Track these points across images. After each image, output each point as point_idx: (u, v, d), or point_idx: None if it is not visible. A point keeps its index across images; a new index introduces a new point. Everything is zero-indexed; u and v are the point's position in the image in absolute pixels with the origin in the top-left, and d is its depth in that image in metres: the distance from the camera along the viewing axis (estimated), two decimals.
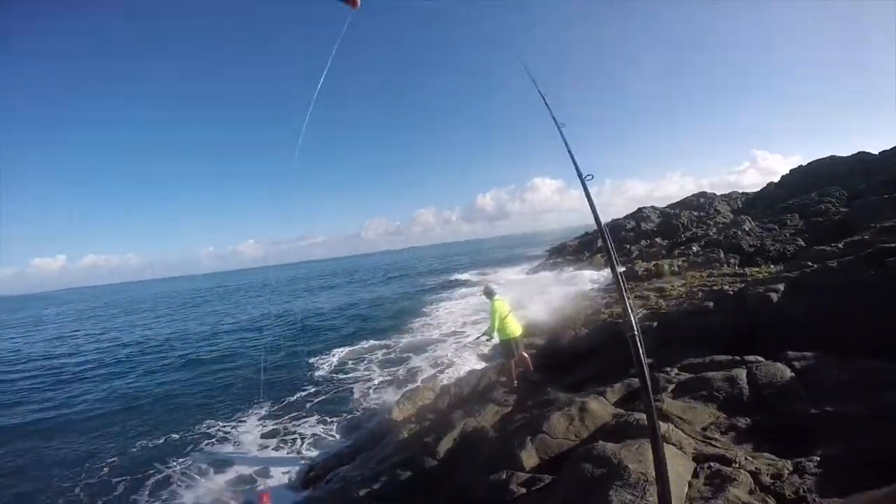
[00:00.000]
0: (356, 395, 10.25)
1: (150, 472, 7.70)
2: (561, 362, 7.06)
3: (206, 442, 8.74)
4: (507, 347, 6.46)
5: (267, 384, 12.12)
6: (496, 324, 6.33)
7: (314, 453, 7.61)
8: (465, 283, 30.00)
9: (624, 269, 15.72)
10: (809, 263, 5.91)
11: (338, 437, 8.20)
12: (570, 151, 2.92)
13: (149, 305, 50.41)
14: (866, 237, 7.50)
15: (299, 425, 8.96)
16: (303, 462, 7.28)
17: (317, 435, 8.47)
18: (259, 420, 9.56)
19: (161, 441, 9.01)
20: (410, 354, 12.74)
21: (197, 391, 12.69)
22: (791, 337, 4.29)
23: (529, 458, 3.59)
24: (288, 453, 7.83)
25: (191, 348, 19.48)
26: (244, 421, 9.62)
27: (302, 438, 8.33)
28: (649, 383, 2.54)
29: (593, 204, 2.62)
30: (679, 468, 2.72)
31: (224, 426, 9.46)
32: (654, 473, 2.52)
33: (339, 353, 14.42)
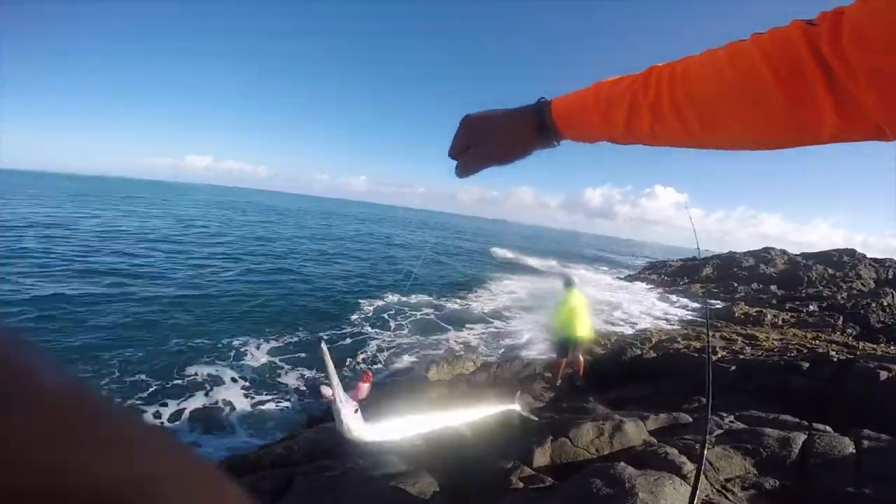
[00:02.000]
0: (392, 348, 10.50)
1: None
2: (613, 377, 6.83)
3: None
4: (563, 344, 6.20)
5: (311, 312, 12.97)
6: (561, 317, 6.09)
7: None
8: (538, 272, 28.57)
9: (721, 305, 14.41)
10: None
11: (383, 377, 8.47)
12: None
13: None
14: None
15: (348, 359, 9.13)
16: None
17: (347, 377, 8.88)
18: (311, 344, 10.11)
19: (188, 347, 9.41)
20: (451, 323, 12.86)
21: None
22: (879, 422, 3.82)
23: (542, 456, 3.59)
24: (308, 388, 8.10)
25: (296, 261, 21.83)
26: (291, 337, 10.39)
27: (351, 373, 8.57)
28: (710, 413, 2.52)
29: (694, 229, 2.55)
30: None
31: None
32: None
33: (389, 299, 14.97)
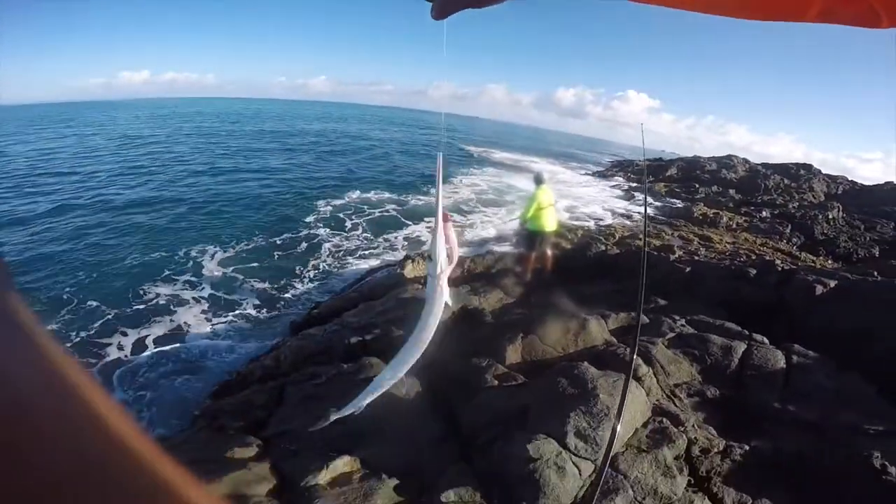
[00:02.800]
0: (363, 243, 10.59)
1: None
2: (579, 271, 7.15)
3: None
4: (531, 239, 6.37)
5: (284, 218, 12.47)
6: (530, 212, 6.12)
7: (321, 295, 7.89)
8: (505, 165, 27.99)
9: (682, 205, 14.96)
10: (875, 273, 5.53)
11: (342, 281, 8.48)
12: None
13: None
14: None
15: (308, 265, 9.20)
16: (309, 300, 7.65)
17: (326, 275, 8.82)
18: (270, 246, 10.04)
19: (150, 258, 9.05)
20: (411, 218, 12.83)
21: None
22: (813, 334, 4.26)
23: (514, 353, 3.83)
24: (293, 293, 8.05)
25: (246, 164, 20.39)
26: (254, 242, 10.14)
27: (311, 279, 8.61)
28: (639, 321, 2.60)
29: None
30: (637, 413, 2.97)
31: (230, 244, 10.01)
32: (616, 408, 2.78)
33: (351, 196, 14.70)
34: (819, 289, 5.03)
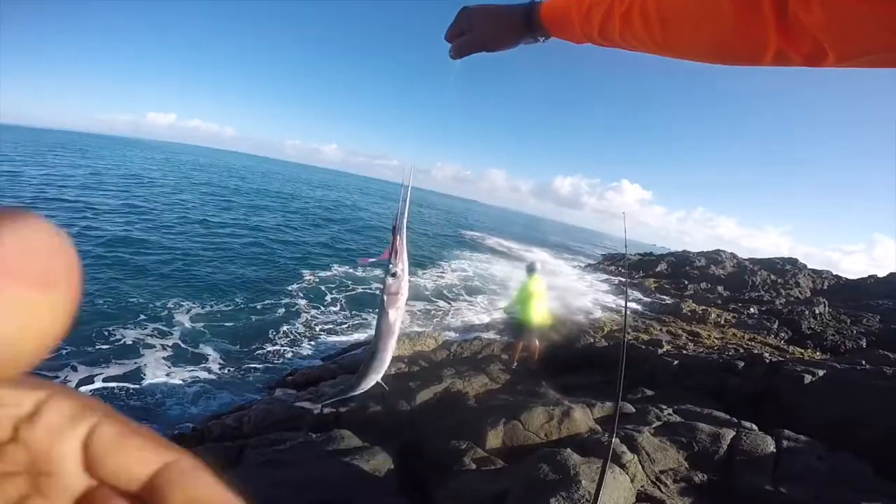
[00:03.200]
0: (352, 315, 10.65)
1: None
2: (567, 362, 7.08)
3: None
4: (520, 329, 6.37)
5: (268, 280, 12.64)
6: (520, 301, 6.20)
7: (299, 360, 7.82)
8: (499, 253, 28.74)
9: (671, 301, 15.11)
10: (863, 362, 5.55)
11: (322, 352, 8.36)
12: None
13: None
14: None
15: (289, 328, 9.20)
16: (285, 365, 7.55)
17: (307, 343, 8.75)
18: (247, 307, 10.02)
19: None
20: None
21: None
22: (803, 421, 4.18)
23: (495, 438, 3.72)
24: (271, 356, 7.96)
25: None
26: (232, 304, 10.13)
27: (291, 344, 8.57)
28: (618, 405, 2.61)
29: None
30: (620, 499, 2.84)
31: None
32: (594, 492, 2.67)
33: (337, 269, 14.87)
34: (808, 378, 5.00)
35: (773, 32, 0.54)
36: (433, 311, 11.90)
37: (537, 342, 6.57)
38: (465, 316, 11.76)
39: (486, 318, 11.30)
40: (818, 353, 9.20)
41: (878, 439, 3.82)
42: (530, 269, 6.49)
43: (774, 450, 3.46)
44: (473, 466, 3.30)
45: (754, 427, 3.84)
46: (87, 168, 32.37)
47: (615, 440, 3.40)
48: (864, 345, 10.20)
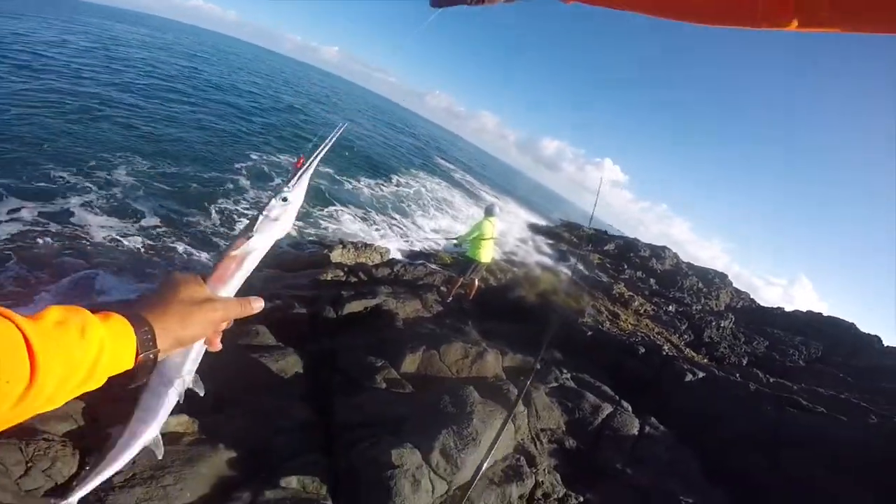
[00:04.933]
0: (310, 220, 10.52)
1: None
2: (496, 310, 7.44)
3: None
4: (464, 265, 6.59)
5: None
6: (471, 237, 6.33)
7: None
8: (465, 188, 28.73)
9: (606, 280, 16.01)
10: (736, 375, 6.31)
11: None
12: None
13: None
14: (794, 387, 7.96)
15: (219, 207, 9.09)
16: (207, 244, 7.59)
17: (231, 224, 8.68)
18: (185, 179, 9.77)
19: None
20: (344, 202, 12.82)
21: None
22: (673, 411, 4.78)
23: (411, 363, 3.90)
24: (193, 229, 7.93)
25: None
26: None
27: (215, 224, 8.48)
28: (536, 365, 2.84)
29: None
30: (500, 446, 3.15)
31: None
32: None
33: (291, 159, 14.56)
34: (689, 376, 5.68)
35: None
36: (390, 223, 11.96)
37: (477, 282, 6.79)
38: (416, 234, 11.86)
39: (437, 246, 11.48)
40: (706, 360, 10.29)
41: (728, 438, 4.52)
42: (489, 211, 6.56)
43: (637, 433, 3.97)
44: (384, 386, 3.49)
45: (629, 408, 4.34)
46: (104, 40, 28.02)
47: (519, 393, 3.73)
48: (745, 363, 11.48)
